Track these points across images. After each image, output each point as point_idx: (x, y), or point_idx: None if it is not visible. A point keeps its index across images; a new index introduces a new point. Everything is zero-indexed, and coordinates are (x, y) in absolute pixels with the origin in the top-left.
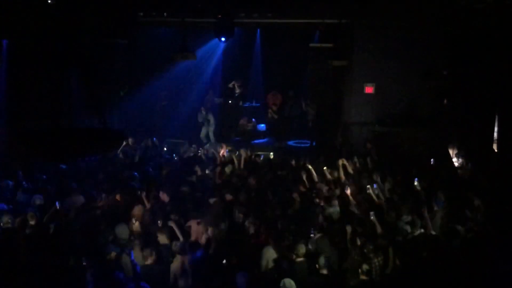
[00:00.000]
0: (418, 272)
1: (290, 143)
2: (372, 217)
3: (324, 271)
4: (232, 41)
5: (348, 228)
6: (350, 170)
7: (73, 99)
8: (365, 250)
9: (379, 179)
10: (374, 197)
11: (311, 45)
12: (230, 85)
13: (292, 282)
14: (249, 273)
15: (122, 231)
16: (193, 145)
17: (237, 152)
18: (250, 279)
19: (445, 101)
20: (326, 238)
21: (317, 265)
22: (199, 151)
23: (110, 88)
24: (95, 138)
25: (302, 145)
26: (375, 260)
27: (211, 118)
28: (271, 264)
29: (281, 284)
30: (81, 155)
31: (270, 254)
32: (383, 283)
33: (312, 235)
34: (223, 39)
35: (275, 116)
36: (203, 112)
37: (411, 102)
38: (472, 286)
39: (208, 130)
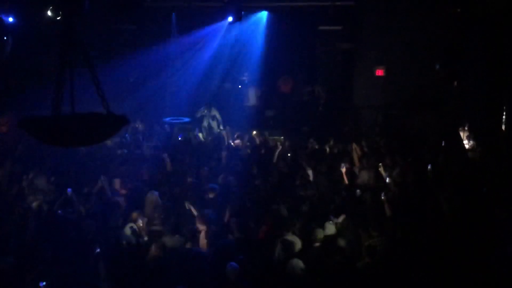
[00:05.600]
0: (425, 253)
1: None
2: (383, 197)
3: (339, 255)
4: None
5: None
6: (359, 153)
7: (75, 84)
8: (373, 232)
9: (389, 162)
10: (386, 178)
11: (320, 27)
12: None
13: (300, 263)
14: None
15: None
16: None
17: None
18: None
19: (455, 83)
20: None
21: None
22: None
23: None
24: (98, 123)
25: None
26: (382, 240)
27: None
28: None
29: (289, 265)
30: (85, 141)
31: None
32: (389, 264)
33: (331, 221)
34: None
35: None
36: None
37: (421, 84)
38: (478, 268)
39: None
